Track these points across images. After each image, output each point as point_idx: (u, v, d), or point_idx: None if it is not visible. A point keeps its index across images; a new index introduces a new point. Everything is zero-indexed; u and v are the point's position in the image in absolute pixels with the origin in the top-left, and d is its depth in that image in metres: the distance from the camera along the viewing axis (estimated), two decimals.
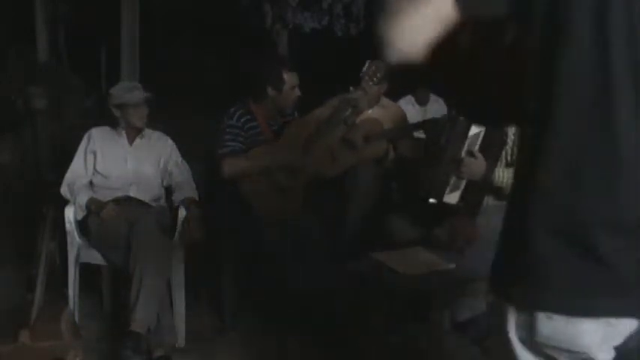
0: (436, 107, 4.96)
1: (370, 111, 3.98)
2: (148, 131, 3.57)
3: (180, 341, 3.27)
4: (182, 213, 3.38)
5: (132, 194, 3.46)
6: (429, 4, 1.14)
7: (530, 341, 1.23)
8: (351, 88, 3.44)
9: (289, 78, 3.53)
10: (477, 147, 3.07)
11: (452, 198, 3.12)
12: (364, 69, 3.41)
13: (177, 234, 3.35)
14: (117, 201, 3.40)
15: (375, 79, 3.41)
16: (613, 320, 1.17)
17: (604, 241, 1.13)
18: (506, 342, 1.27)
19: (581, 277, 1.16)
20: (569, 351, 1.20)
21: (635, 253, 1.14)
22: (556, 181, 1.18)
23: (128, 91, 3.47)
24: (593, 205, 1.15)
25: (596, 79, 1.13)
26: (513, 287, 1.24)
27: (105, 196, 3.42)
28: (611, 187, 1.14)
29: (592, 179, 1.15)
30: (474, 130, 3.05)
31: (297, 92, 3.57)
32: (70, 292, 3.30)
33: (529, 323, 1.22)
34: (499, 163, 3.16)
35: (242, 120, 3.52)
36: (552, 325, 1.19)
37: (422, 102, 5.11)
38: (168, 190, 3.58)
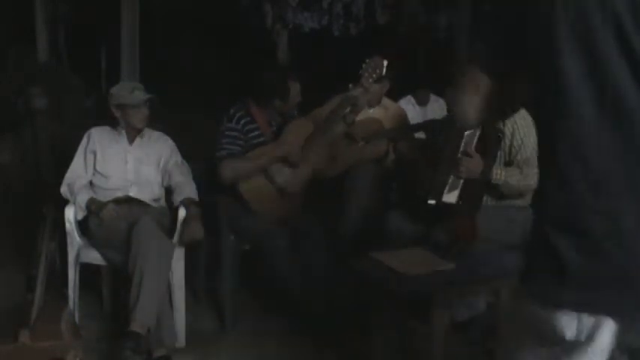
0: (436, 107, 4.96)
1: (371, 111, 3.99)
2: (148, 131, 3.56)
3: (180, 341, 3.26)
4: (182, 213, 3.38)
5: (132, 194, 3.45)
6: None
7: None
8: (350, 86, 3.45)
9: (294, 88, 3.59)
10: (473, 146, 3.08)
11: (450, 197, 3.12)
12: (363, 66, 3.42)
13: (177, 234, 3.35)
14: (117, 201, 3.39)
15: (374, 75, 3.42)
16: (584, 317, 1.28)
17: (558, 241, 1.29)
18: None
19: (545, 269, 1.32)
20: (552, 342, 1.32)
21: (589, 254, 1.27)
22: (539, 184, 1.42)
23: (129, 92, 3.45)
24: (550, 208, 1.33)
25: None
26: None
27: (105, 196, 3.41)
28: (567, 193, 1.30)
29: (553, 185, 1.33)
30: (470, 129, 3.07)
31: (299, 98, 3.63)
32: (70, 292, 3.30)
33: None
34: (496, 162, 3.16)
35: (242, 122, 3.52)
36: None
37: (422, 102, 5.10)
38: (168, 190, 3.58)
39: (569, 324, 1.29)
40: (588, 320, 1.28)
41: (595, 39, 1.28)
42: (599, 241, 1.25)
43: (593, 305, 1.28)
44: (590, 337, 1.29)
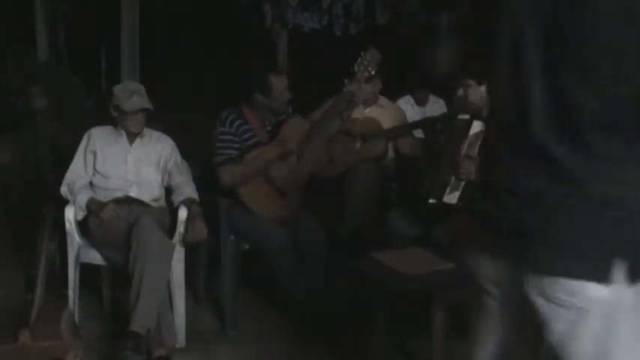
0: (436, 107, 4.95)
1: (368, 110, 3.99)
2: (148, 131, 3.56)
3: (180, 341, 3.26)
4: (183, 213, 3.38)
5: (132, 194, 3.45)
6: None
7: None
8: (346, 81, 3.43)
9: (277, 82, 3.48)
10: (477, 147, 3.06)
11: (451, 198, 3.12)
12: (358, 61, 3.40)
13: (177, 234, 3.35)
14: (117, 201, 3.40)
15: (370, 68, 3.40)
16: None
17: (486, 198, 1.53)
18: None
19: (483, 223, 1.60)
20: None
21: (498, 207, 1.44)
22: None
23: (127, 96, 3.41)
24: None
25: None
26: None
27: (105, 196, 3.41)
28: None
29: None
30: (474, 129, 3.05)
31: (287, 94, 3.53)
32: (70, 292, 3.30)
33: None
34: None
35: (235, 125, 3.49)
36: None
37: (421, 102, 5.09)
38: (168, 190, 3.57)
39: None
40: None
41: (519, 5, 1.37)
42: (503, 197, 1.43)
43: (499, 252, 1.47)
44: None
